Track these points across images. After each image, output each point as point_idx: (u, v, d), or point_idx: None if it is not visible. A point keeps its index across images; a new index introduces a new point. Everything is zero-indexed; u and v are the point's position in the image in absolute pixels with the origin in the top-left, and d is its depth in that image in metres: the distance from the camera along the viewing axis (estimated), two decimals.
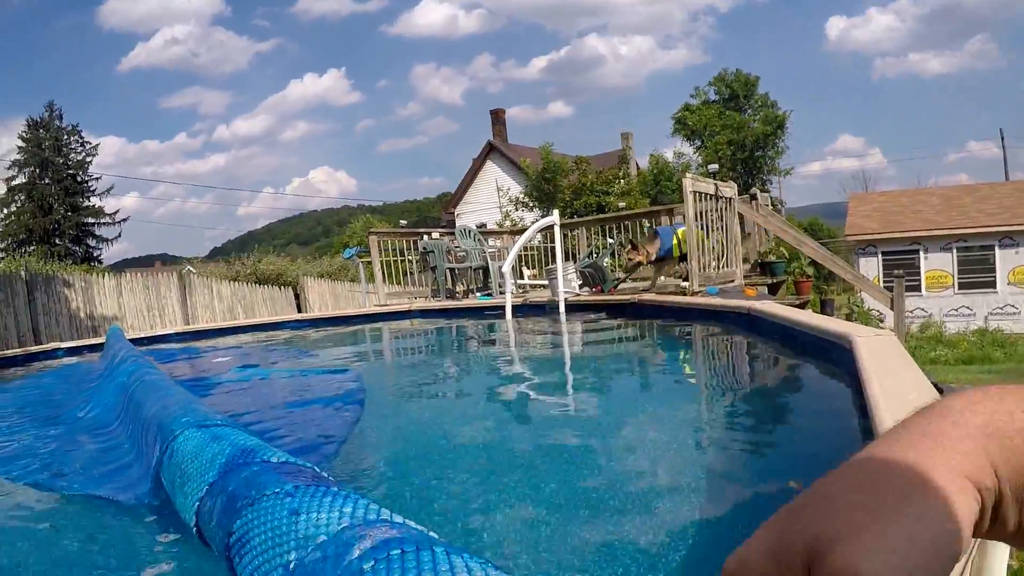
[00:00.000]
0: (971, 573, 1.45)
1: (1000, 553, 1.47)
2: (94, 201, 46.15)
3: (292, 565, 1.24)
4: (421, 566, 1.01)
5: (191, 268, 25.45)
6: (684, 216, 9.23)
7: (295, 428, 3.58)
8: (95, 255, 45.26)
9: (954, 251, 26.63)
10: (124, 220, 46.97)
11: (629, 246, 7.59)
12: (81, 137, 46.23)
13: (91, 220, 45.54)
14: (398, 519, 1.24)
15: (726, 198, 10.41)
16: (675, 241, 8.16)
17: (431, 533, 1.18)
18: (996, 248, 26.09)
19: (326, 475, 1.74)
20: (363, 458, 3.31)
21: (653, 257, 7.62)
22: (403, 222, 24.75)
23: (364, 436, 3.68)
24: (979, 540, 1.34)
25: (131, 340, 7.43)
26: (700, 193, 9.44)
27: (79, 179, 45.58)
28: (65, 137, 45.35)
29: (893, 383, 2.59)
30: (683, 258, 8.46)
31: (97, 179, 46.52)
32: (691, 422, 3.87)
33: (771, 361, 5.49)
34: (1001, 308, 26.13)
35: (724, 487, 2.74)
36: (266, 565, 1.32)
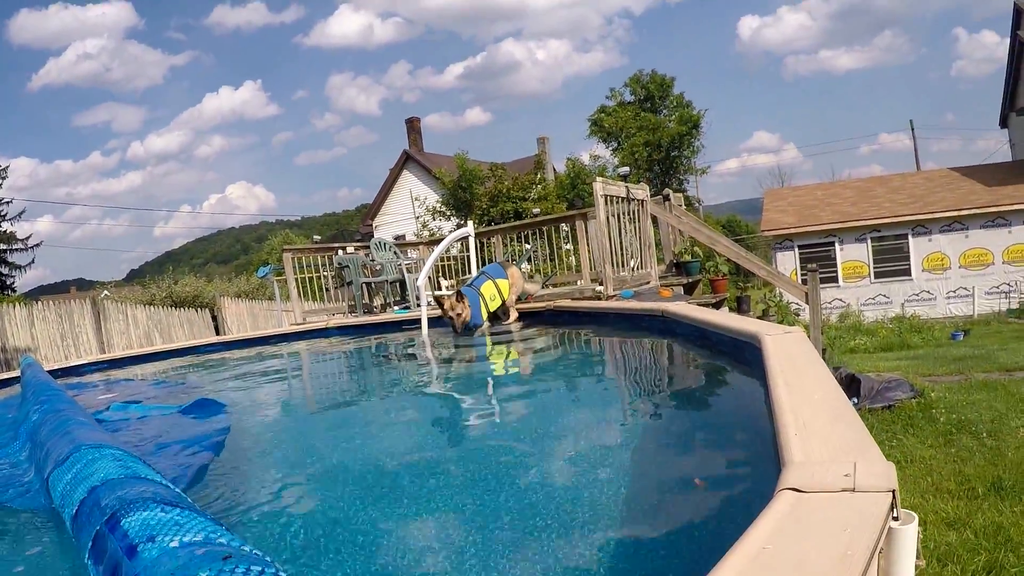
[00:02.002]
0: (879, 571, 1.40)
1: (907, 553, 1.43)
2: (5, 226, 44.96)
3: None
4: None
5: (107, 293, 24.98)
6: (596, 219, 9.18)
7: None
8: (8, 283, 44.11)
9: (868, 241, 27.20)
10: (37, 245, 45.92)
11: (456, 295, 7.33)
12: None
13: (3, 246, 44.31)
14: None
15: (638, 200, 10.40)
16: (481, 300, 7.75)
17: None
18: (909, 237, 26.70)
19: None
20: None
21: (468, 318, 7.34)
22: (316, 237, 24.41)
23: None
24: (886, 537, 1.26)
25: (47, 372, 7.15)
26: (611, 196, 9.40)
27: None
28: None
29: (798, 382, 2.54)
30: (502, 310, 8.11)
31: (8, 203, 45.36)
32: (602, 427, 3.79)
33: (685, 362, 5.44)
34: (916, 295, 26.74)
35: (637, 490, 2.67)
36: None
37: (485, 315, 7.69)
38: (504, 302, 7.98)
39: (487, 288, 7.76)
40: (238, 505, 2.92)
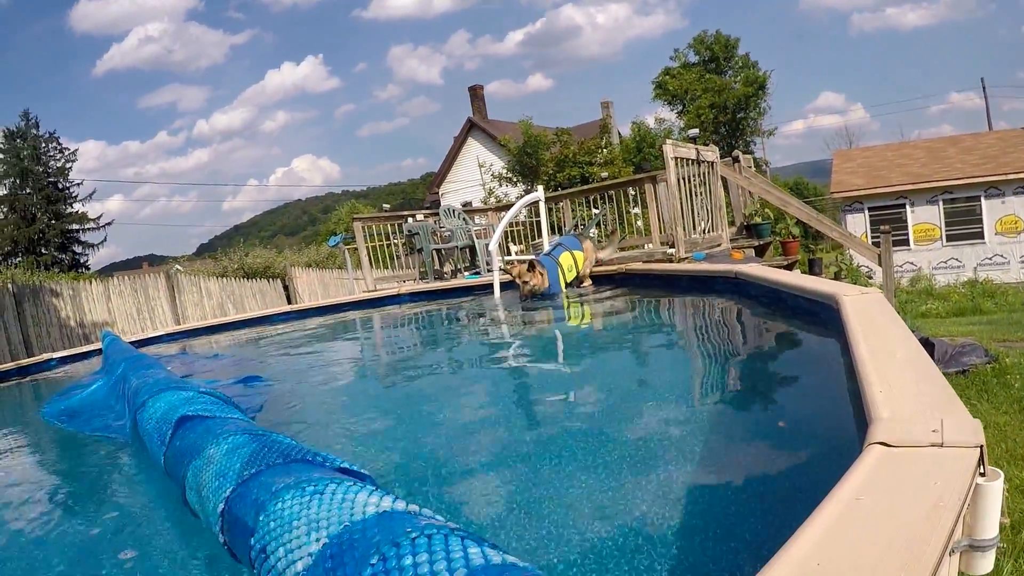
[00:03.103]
0: (963, 528, 1.41)
1: (993, 508, 1.44)
2: (77, 207, 46.12)
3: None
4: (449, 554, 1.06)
5: (179, 267, 25.37)
6: (667, 182, 9.18)
7: None
8: (82, 262, 45.25)
9: (940, 204, 26.68)
10: (109, 224, 46.93)
11: (527, 266, 7.32)
12: (59, 144, 46.20)
13: (75, 227, 45.44)
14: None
15: (708, 162, 10.35)
16: (559, 268, 7.77)
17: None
18: (982, 199, 26.13)
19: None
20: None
21: (545, 284, 7.37)
22: (386, 206, 24.52)
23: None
24: (973, 492, 1.31)
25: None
26: (681, 159, 9.38)
27: (60, 186, 45.50)
28: (43, 145, 45.26)
29: (879, 342, 2.55)
30: (576, 280, 8.16)
31: (79, 184, 46.54)
32: (686, 387, 3.88)
33: (761, 324, 5.44)
34: (989, 259, 26.20)
35: (724, 443, 2.77)
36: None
37: (563, 284, 7.78)
38: (579, 273, 8.07)
39: (565, 259, 7.85)
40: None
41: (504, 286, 8.74)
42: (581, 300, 7.85)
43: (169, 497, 2.44)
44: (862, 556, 1.17)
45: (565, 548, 1.97)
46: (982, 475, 1.45)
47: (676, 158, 9.17)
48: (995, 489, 1.44)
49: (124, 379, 4.00)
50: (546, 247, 9.01)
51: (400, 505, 1.28)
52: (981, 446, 1.50)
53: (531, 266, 7.35)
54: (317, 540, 1.24)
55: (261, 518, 1.40)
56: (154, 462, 2.54)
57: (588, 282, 8.30)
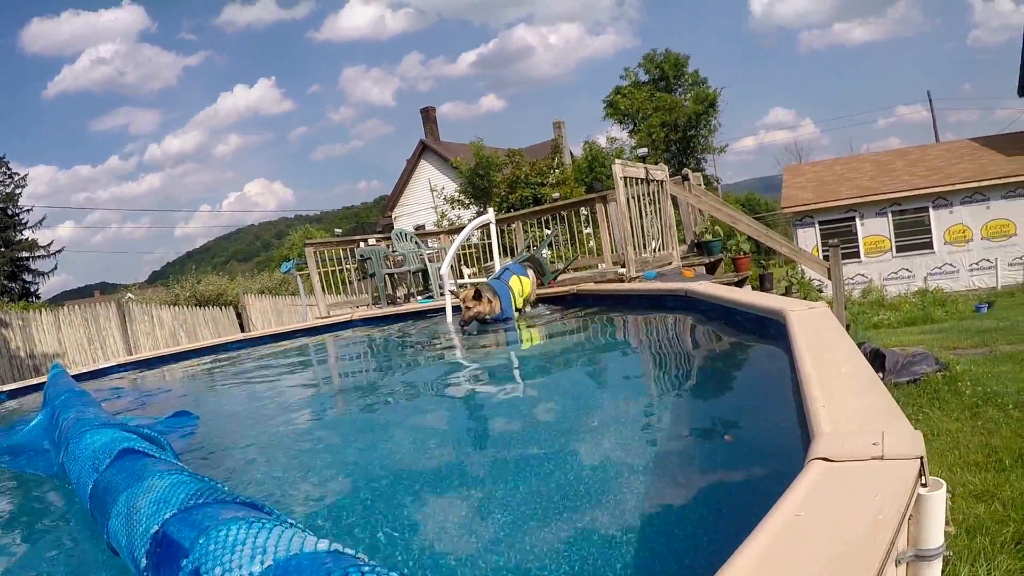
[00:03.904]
0: (908, 539, 1.44)
1: (936, 518, 1.46)
2: (27, 234, 45.23)
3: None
4: None
5: (131, 295, 25.09)
6: (617, 202, 9.20)
7: None
8: (32, 290, 44.34)
9: (889, 215, 27.03)
10: (59, 251, 46.08)
11: (473, 293, 7.30)
12: (8, 168, 45.29)
13: (25, 254, 44.58)
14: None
15: (657, 181, 10.41)
16: (510, 292, 7.78)
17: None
18: (930, 209, 26.53)
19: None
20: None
21: (497, 309, 7.37)
22: (338, 231, 24.45)
23: None
24: (915, 503, 1.30)
25: (72, 376, 7.25)
26: (631, 178, 9.42)
27: (9, 212, 44.63)
28: None
29: (824, 356, 2.59)
30: (527, 303, 8.18)
31: (28, 211, 45.66)
32: (636, 406, 3.85)
33: (710, 340, 5.47)
34: (939, 268, 26.57)
35: (673, 460, 2.79)
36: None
37: (514, 309, 7.77)
38: (527, 298, 8.07)
39: (514, 283, 7.83)
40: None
41: (457, 309, 8.72)
42: (532, 323, 7.84)
43: (93, 539, 2.40)
44: (801, 572, 1.18)
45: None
46: (923, 486, 1.46)
47: (625, 178, 9.21)
48: (937, 499, 1.45)
49: (55, 416, 3.96)
50: (497, 269, 8.99)
51: (351, 551, 1.26)
52: (921, 457, 1.51)
53: (477, 294, 7.31)
54: (261, 562, 1.23)
55: (201, 540, 1.38)
56: (78, 495, 2.49)
57: (530, 308, 8.29)
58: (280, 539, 1.29)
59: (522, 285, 7.96)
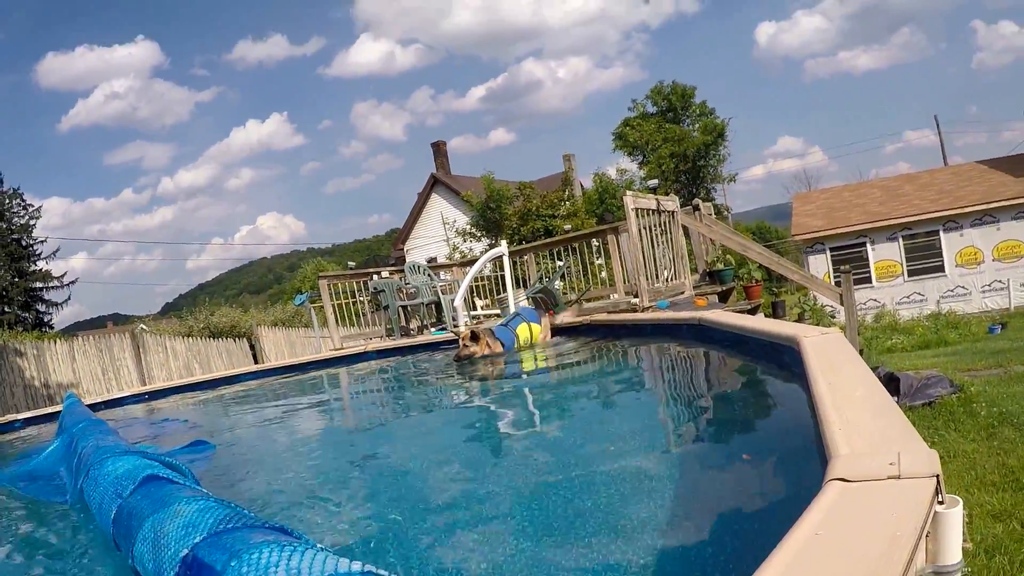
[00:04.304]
0: (926, 556, 1.46)
1: (953, 535, 1.49)
2: (41, 265, 45.31)
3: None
4: None
5: (144, 327, 25.13)
6: (628, 232, 9.27)
7: None
8: (46, 320, 44.33)
9: (900, 240, 27.00)
10: (73, 282, 46.02)
11: (470, 334, 7.39)
12: (23, 200, 45.32)
13: (39, 284, 44.58)
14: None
15: (668, 211, 10.48)
16: (516, 339, 7.89)
17: None
18: (941, 233, 26.49)
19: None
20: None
21: (498, 350, 7.47)
22: (351, 263, 24.51)
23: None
24: (932, 520, 1.34)
25: (87, 405, 7.32)
26: (642, 209, 9.49)
27: (24, 243, 44.71)
28: (7, 201, 44.40)
29: (838, 380, 2.62)
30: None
31: (43, 242, 45.65)
32: (652, 436, 3.91)
33: (725, 367, 5.51)
34: (951, 291, 26.51)
35: (691, 484, 2.85)
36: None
37: (517, 346, 7.91)
38: (533, 342, 8.18)
39: (522, 330, 7.95)
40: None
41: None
42: (545, 354, 7.90)
43: (110, 566, 2.48)
44: None
45: None
46: (940, 503, 1.49)
47: (637, 209, 9.28)
48: (954, 516, 1.47)
49: (73, 444, 4.02)
50: (510, 301, 9.08)
51: (383, 572, 1.29)
52: (938, 475, 1.54)
53: (475, 336, 7.43)
54: None
55: (233, 563, 1.39)
56: (99, 522, 2.54)
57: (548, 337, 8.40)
58: (314, 561, 1.31)
59: (531, 331, 8.06)
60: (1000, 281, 26.05)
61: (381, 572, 1.30)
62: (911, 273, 27.08)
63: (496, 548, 2.45)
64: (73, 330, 49.00)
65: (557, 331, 8.77)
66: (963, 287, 26.48)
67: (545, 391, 6.11)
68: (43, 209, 47.57)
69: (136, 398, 9.50)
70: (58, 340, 19.69)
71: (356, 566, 1.29)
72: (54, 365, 18.52)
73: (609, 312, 9.20)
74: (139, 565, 1.92)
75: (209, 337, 24.66)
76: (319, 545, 1.57)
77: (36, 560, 3.09)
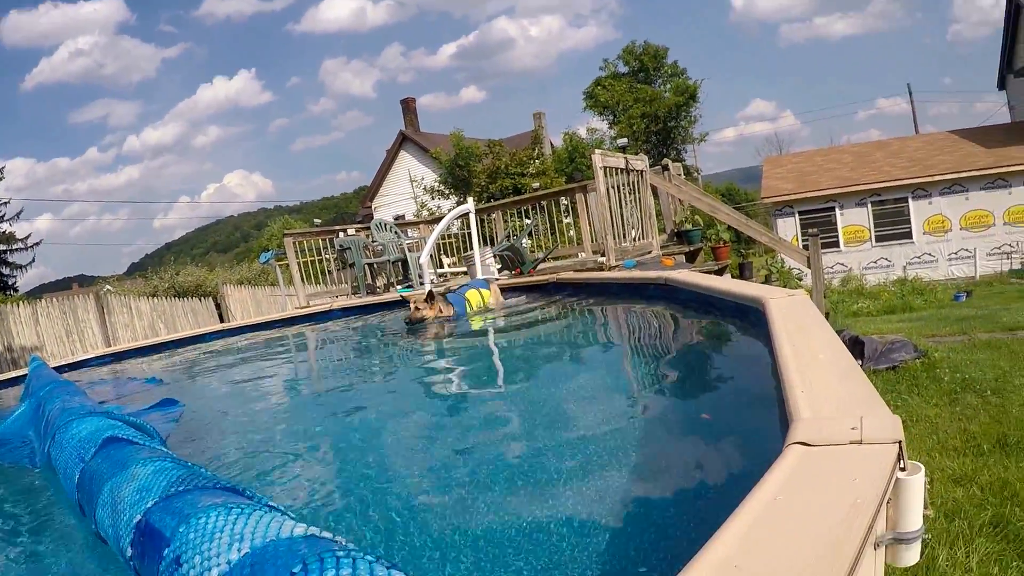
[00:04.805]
0: (887, 522, 1.45)
1: (915, 502, 1.47)
2: (4, 227, 44.72)
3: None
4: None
5: (110, 288, 24.86)
6: (597, 191, 9.19)
7: None
8: (10, 283, 43.83)
9: (869, 206, 27.09)
10: (37, 244, 45.49)
11: (426, 297, 7.30)
12: None
13: (2, 247, 44.06)
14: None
15: (637, 171, 10.39)
16: (467, 304, 7.83)
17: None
18: (910, 200, 26.59)
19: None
20: None
21: (448, 314, 7.40)
22: (317, 221, 24.33)
23: None
24: (894, 487, 1.29)
25: (52, 368, 7.21)
26: (610, 168, 9.41)
27: None
28: None
29: (803, 343, 2.59)
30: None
31: (6, 204, 45.05)
32: (611, 396, 3.85)
33: (690, 328, 5.47)
34: (918, 257, 26.67)
35: (653, 444, 2.84)
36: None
37: (469, 311, 7.81)
38: (484, 306, 8.11)
39: (472, 295, 7.88)
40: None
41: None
42: (503, 314, 7.84)
43: (79, 530, 2.40)
44: (780, 556, 1.19)
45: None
46: (902, 470, 1.47)
47: (605, 167, 9.19)
48: (916, 483, 1.46)
49: (41, 407, 3.93)
50: (477, 259, 8.99)
51: (328, 535, 1.28)
52: (900, 441, 1.51)
53: (430, 297, 7.36)
54: (239, 550, 1.24)
55: (181, 529, 1.39)
56: (65, 486, 2.48)
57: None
58: (258, 525, 1.31)
59: (481, 296, 8.00)
60: (967, 250, 26.22)
61: (325, 535, 1.28)
62: (879, 239, 27.19)
63: (458, 506, 2.42)
64: (38, 292, 48.64)
65: (523, 289, 8.69)
66: (930, 254, 26.64)
67: (508, 349, 6.05)
68: (6, 170, 46.65)
69: (101, 360, 9.36)
70: (21, 303, 19.42)
71: (299, 530, 1.28)
72: (17, 329, 18.28)
73: (576, 271, 9.13)
74: (102, 531, 1.91)
75: (174, 297, 24.46)
76: (269, 503, 1.57)
77: (1, 527, 2.99)
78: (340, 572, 1.09)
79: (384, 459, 3.20)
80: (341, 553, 1.14)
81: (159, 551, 1.41)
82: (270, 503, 1.60)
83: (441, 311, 7.37)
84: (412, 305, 7.35)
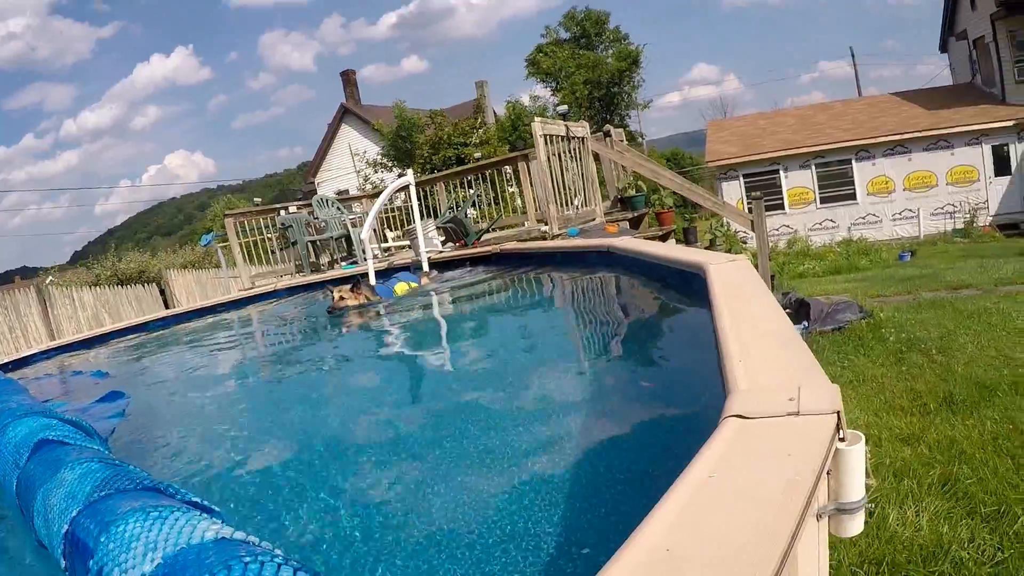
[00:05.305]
0: (828, 493, 1.46)
1: (855, 472, 1.45)
2: None
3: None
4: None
5: (52, 278, 24.38)
6: (537, 159, 9.09)
7: None
8: None
9: (813, 168, 27.31)
10: None
11: (352, 286, 7.20)
12: None
13: None
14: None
15: (578, 138, 10.31)
16: (393, 295, 7.75)
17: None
18: (853, 162, 26.84)
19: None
20: None
21: (374, 299, 7.28)
22: (257, 200, 24.07)
23: None
24: (834, 458, 1.22)
25: None
26: (551, 135, 9.31)
27: None
28: None
29: (743, 311, 2.56)
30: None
31: None
32: (551, 366, 3.83)
33: (634, 296, 5.43)
34: (863, 218, 26.96)
35: (592, 414, 2.84)
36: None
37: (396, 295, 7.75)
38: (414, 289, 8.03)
39: (400, 288, 7.76)
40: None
41: (379, 274, 8.60)
42: (455, 283, 7.77)
43: (25, 537, 2.29)
44: (713, 537, 1.16)
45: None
46: (841, 440, 1.46)
47: (545, 135, 9.10)
48: (856, 453, 1.45)
49: None
50: (419, 231, 8.87)
51: (240, 535, 1.28)
52: (838, 412, 1.49)
53: (355, 286, 7.22)
54: (152, 560, 1.24)
55: (103, 538, 1.37)
56: (6, 494, 2.38)
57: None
58: (171, 531, 1.31)
59: (409, 287, 7.89)
60: (911, 210, 26.53)
61: (238, 535, 1.27)
62: (823, 200, 27.43)
63: (406, 481, 2.44)
64: None
65: (467, 261, 8.60)
66: (874, 215, 26.93)
67: (448, 322, 5.99)
68: None
69: (45, 354, 9.16)
70: None
71: (211, 533, 1.27)
72: None
73: (520, 240, 9.05)
74: (43, 540, 1.86)
75: (117, 284, 24.02)
76: (193, 498, 1.59)
77: None
78: None
79: (329, 439, 3.19)
80: (248, 559, 1.13)
81: (85, 563, 1.40)
82: (191, 499, 1.60)
83: (369, 299, 7.21)
84: (336, 294, 7.19)
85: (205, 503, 1.61)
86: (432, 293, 7.60)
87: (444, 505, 2.16)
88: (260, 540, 1.26)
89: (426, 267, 8.72)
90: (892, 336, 9.53)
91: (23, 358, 8.88)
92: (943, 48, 34.59)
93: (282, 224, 12.75)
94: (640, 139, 47.21)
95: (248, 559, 1.12)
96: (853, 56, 50.18)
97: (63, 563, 1.58)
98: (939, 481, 5.25)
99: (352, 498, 2.40)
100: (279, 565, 1.12)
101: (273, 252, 13.61)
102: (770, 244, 15.63)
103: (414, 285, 7.97)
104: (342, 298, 7.09)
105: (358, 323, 6.68)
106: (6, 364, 8.22)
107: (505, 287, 7.25)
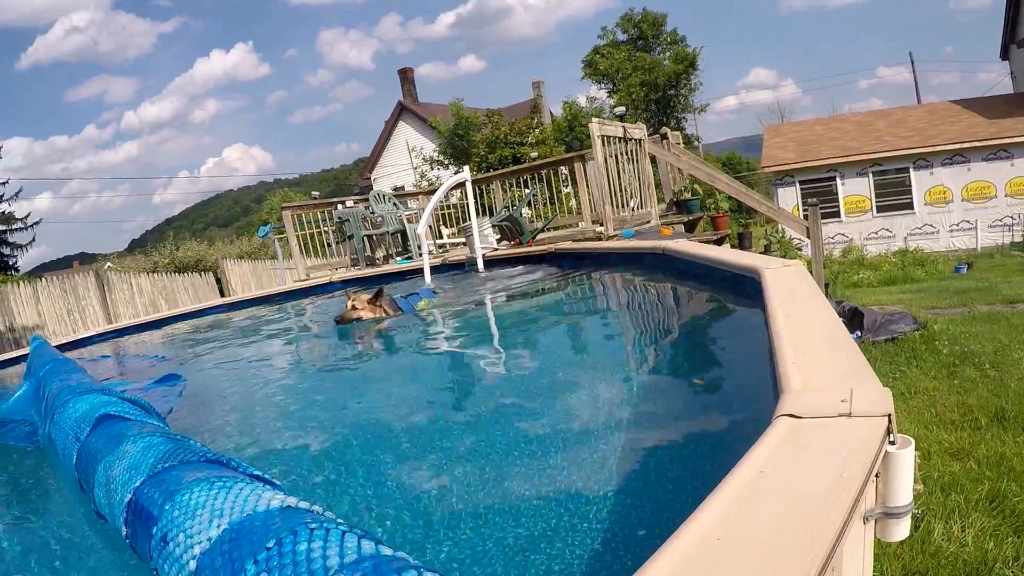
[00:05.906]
0: (876, 497, 1.44)
1: (904, 476, 1.45)
2: (3, 207, 44.54)
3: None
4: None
5: (110, 264, 24.82)
6: (594, 160, 9.14)
7: None
8: (11, 263, 43.66)
9: (870, 175, 26.97)
10: (37, 223, 45.24)
11: (373, 296, 6.47)
12: None
13: (2, 227, 43.92)
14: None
15: (635, 139, 10.33)
16: (413, 308, 7.36)
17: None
18: (911, 170, 26.46)
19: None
20: None
21: (392, 314, 6.76)
22: (315, 193, 24.32)
23: None
24: (883, 460, 1.27)
25: (54, 347, 7.19)
26: (608, 137, 9.35)
27: None
28: None
29: (797, 313, 2.58)
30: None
31: (5, 183, 44.86)
32: (617, 362, 3.92)
33: (687, 297, 5.46)
34: (919, 228, 26.58)
35: (647, 414, 2.84)
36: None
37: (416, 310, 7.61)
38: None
39: (421, 304, 7.63)
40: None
41: (435, 269, 8.69)
42: (509, 281, 7.81)
43: (80, 509, 2.39)
44: (762, 530, 1.17)
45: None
46: (891, 443, 1.45)
47: (603, 136, 9.15)
48: (905, 457, 1.44)
49: (42, 386, 3.91)
50: (474, 229, 8.94)
51: (304, 504, 1.32)
52: (889, 415, 1.49)
53: (377, 296, 6.52)
54: (218, 526, 1.27)
55: (167, 507, 1.42)
56: (65, 466, 2.48)
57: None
58: (237, 499, 1.34)
59: (426, 304, 7.77)
60: (968, 221, 26.11)
61: (302, 505, 1.31)
62: (880, 209, 27.10)
63: (454, 475, 2.43)
64: (39, 271, 48.51)
65: (521, 260, 8.66)
66: (931, 225, 26.55)
67: (504, 321, 6.04)
68: (4, 150, 46.37)
69: (102, 337, 9.36)
70: (22, 283, 19.36)
71: (276, 501, 1.31)
72: (18, 308, 18.24)
73: (574, 240, 9.11)
74: (101, 510, 1.94)
75: (175, 272, 24.41)
76: (254, 472, 1.62)
77: (2, 509, 2.99)
78: (312, 544, 1.11)
79: (378, 426, 3.21)
80: (314, 525, 1.16)
81: (149, 529, 1.44)
82: (253, 472, 1.65)
83: (387, 313, 6.53)
84: (350, 302, 6.47)
85: (266, 476, 1.65)
86: (434, 313, 7.31)
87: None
88: (324, 510, 1.31)
89: (480, 265, 8.79)
90: (945, 349, 9.44)
91: (80, 340, 9.09)
92: (1004, 55, 33.99)
93: (339, 218, 12.90)
94: (696, 142, 46.91)
95: (314, 525, 1.16)
96: (912, 62, 49.48)
97: (124, 531, 1.63)
98: (987, 497, 5.21)
99: (401, 480, 2.46)
100: (343, 532, 1.15)
101: (329, 245, 13.77)
102: (825, 252, 15.53)
103: (433, 300, 7.70)
104: (355, 308, 6.41)
105: (374, 338, 6.05)
106: (63, 345, 8.40)
107: (558, 288, 7.26)
